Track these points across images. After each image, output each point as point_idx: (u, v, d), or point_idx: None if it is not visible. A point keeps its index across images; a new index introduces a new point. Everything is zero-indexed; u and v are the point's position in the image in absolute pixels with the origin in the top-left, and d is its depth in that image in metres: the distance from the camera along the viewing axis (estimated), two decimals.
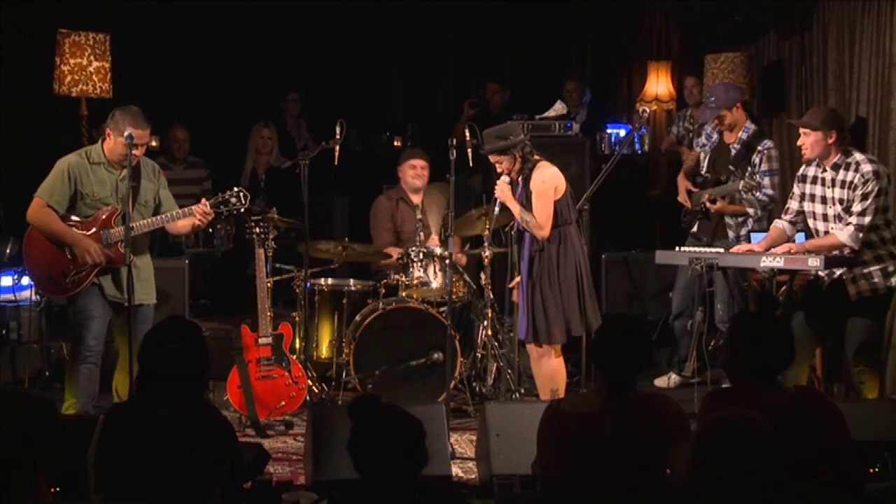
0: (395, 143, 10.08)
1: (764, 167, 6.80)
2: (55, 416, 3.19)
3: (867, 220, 5.71)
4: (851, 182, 5.77)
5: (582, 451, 3.72)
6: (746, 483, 2.65)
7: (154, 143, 8.38)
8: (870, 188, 5.70)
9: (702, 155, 7.22)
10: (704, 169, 7.15)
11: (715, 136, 7.14)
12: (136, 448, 2.77)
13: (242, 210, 6.10)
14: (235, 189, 6.04)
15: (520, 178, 6.12)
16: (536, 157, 6.13)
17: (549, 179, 6.04)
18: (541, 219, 6.00)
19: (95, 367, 5.86)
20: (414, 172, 7.63)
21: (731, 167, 6.84)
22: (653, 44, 10.82)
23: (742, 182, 6.56)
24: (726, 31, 9.27)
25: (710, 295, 6.51)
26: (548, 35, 10.97)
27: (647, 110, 7.55)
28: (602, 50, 11.01)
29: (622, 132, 10.15)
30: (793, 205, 6.13)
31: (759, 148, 6.85)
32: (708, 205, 6.77)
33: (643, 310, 7.96)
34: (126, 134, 5.62)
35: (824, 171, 5.90)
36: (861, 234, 5.73)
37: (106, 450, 3.89)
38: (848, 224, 5.75)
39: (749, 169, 6.84)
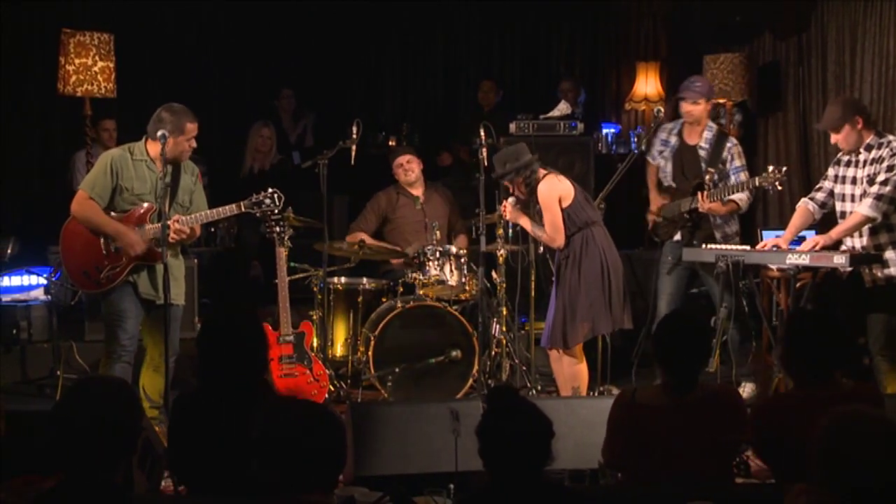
0: (390, 143, 10.07)
1: (737, 163, 6.70)
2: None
3: (888, 189, 5.73)
4: (881, 157, 5.80)
5: (655, 442, 3.81)
6: (879, 477, 2.72)
7: None
8: None
9: (661, 162, 7.02)
10: (671, 176, 6.95)
11: (673, 139, 6.94)
12: (264, 446, 2.79)
13: (276, 212, 6.12)
14: (270, 191, 6.06)
15: (531, 196, 6.20)
16: (542, 171, 6.19)
17: (551, 191, 6.10)
18: (550, 231, 6.12)
19: (129, 365, 5.83)
20: (402, 170, 7.79)
21: (709, 168, 6.68)
22: (641, 44, 10.91)
23: (758, 178, 6.37)
24: (718, 31, 9.39)
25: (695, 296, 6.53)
26: (537, 34, 11.05)
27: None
28: (590, 50, 11.07)
29: (612, 131, 10.27)
30: (825, 184, 6.14)
31: (728, 145, 6.73)
32: (704, 204, 6.56)
33: (646, 307, 8.01)
34: (159, 134, 5.64)
35: (859, 153, 5.93)
36: (882, 204, 5.75)
37: (178, 439, 3.93)
38: (867, 196, 5.78)
39: (720, 166, 6.70)
